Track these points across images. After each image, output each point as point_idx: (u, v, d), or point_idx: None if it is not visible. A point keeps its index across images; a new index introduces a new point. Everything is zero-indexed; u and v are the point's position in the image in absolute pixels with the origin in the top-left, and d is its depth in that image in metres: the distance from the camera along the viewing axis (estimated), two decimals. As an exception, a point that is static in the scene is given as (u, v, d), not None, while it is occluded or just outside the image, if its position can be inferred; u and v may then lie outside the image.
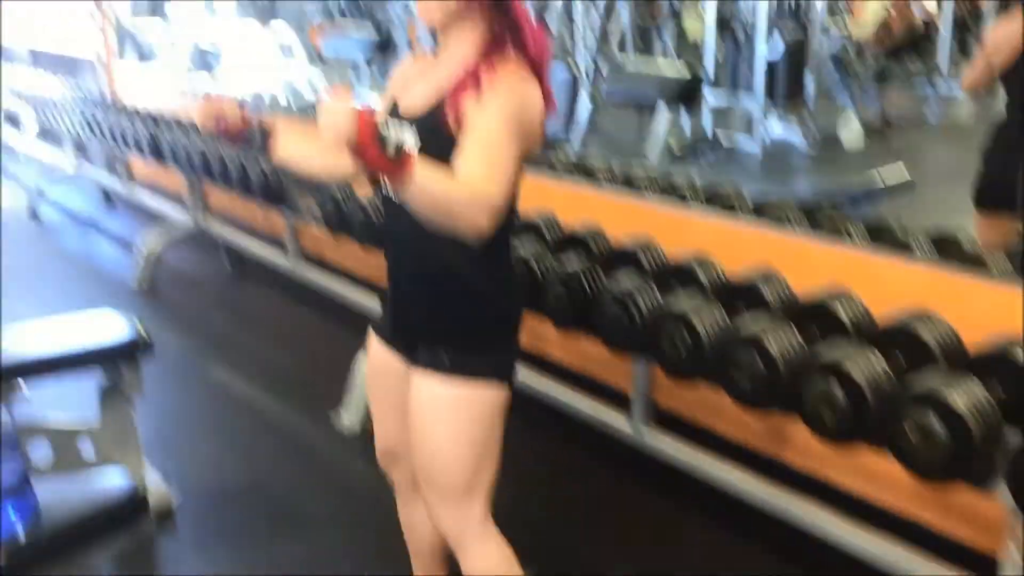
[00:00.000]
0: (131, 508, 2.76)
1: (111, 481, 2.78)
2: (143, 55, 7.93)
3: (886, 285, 2.47)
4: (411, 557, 2.15)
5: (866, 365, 1.96)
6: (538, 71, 1.67)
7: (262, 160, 4.02)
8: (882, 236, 2.86)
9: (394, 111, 1.75)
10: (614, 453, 2.90)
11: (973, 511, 2.27)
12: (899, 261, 2.60)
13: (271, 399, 3.73)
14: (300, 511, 2.88)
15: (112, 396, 2.74)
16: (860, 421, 1.94)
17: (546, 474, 3.04)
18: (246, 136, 1.82)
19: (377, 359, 1.92)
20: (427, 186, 1.45)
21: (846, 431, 1.97)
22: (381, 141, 1.38)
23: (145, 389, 2.75)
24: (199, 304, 4.92)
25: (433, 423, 1.76)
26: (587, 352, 3.09)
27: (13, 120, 8.02)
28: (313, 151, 1.82)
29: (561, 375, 3.08)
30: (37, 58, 8.17)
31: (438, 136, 1.63)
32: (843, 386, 1.94)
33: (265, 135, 1.82)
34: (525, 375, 3.10)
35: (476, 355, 1.75)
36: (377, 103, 1.84)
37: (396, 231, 1.77)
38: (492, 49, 1.66)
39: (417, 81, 1.75)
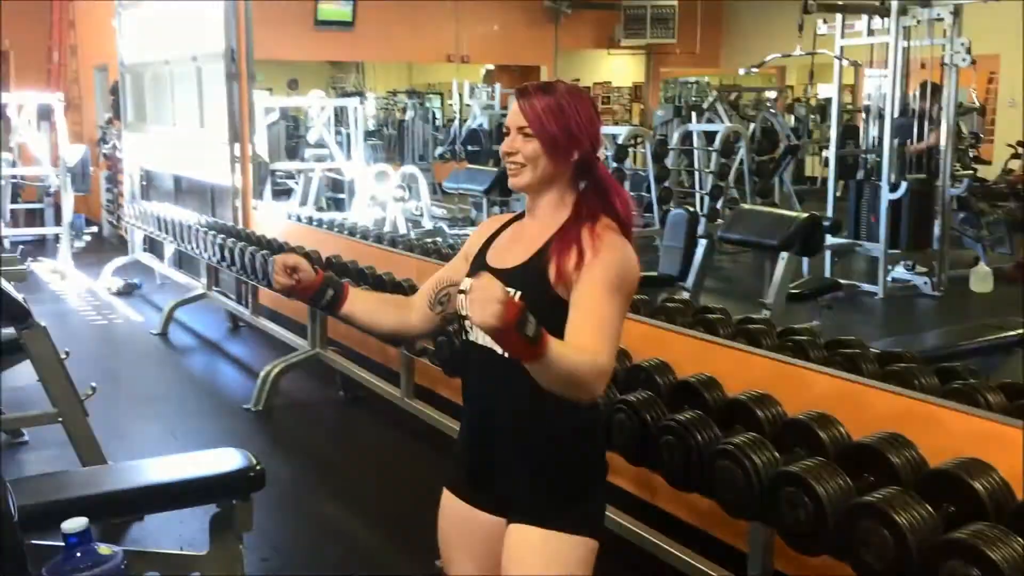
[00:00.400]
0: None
1: (216, 616, 2.77)
2: (277, 190, 8.42)
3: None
4: None
5: (1008, 550, 1.81)
6: (627, 230, 1.75)
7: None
8: (1020, 399, 2.68)
9: (482, 264, 1.80)
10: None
11: None
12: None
13: (377, 538, 3.70)
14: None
15: (222, 529, 2.76)
16: (1003, 613, 1.78)
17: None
18: (317, 295, 1.88)
19: (456, 516, 1.90)
20: (556, 363, 1.48)
21: (987, 623, 1.81)
22: (523, 326, 1.40)
23: (254, 519, 2.76)
24: (312, 430, 4.99)
25: None
26: (700, 505, 2.97)
27: (153, 244, 8.53)
28: (378, 309, 1.94)
29: (670, 527, 2.95)
30: (179, 183, 8.72)
31: (537, 288, 1.69)
32: (984, 573, 1.79)
33: (336, 293, 1.89)
34: (633, 525, 3.00)
35: (571, 507, 1.75)
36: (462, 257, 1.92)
37: (486, 390, 1.81)
38: (585, 210, 1.74)
39: (508, 238, 1.83)
